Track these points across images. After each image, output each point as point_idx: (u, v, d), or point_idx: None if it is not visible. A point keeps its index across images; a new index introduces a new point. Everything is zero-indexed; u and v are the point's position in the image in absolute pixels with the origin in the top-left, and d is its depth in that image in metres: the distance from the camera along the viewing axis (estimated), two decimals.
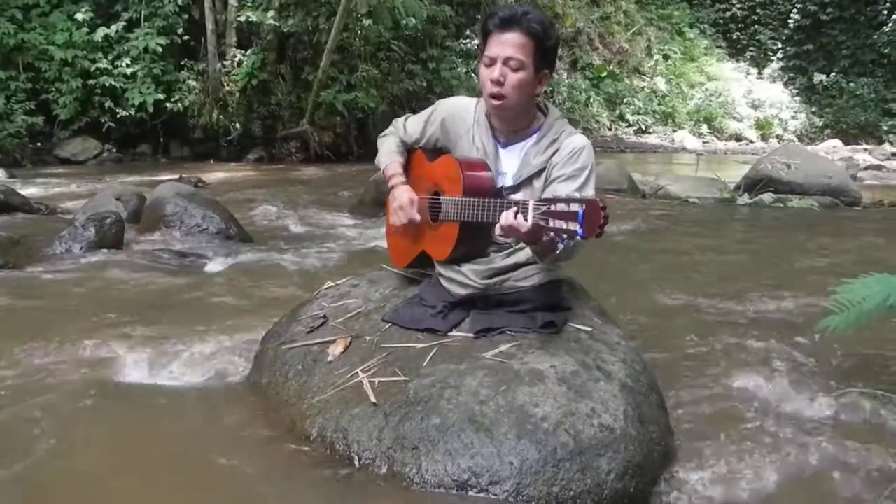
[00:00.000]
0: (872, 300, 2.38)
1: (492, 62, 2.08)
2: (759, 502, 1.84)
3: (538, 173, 2.14)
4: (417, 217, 2.24)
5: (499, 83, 2.06)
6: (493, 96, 2.09)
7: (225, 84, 11.64)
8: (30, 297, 3.39)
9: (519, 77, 2.06)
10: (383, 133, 2.45)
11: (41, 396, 2.27)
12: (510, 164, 2.20)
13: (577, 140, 2.14)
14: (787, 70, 23.76)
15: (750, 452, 2.04)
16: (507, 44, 2.05)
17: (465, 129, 2.24)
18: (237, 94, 11.62)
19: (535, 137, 2.18)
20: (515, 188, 2.17)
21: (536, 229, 1.77)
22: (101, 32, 10.88)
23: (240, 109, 11.69)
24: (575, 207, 1.65)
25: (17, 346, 2.66)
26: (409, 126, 2.38)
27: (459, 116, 2.27)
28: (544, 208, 1.71)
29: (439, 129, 2.30)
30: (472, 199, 2.05)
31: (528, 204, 1.78)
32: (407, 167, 2.38)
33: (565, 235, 1.68)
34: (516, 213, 1.82)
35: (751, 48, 24.43)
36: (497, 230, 1.92)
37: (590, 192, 2.08)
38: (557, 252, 1.96)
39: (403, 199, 2.25)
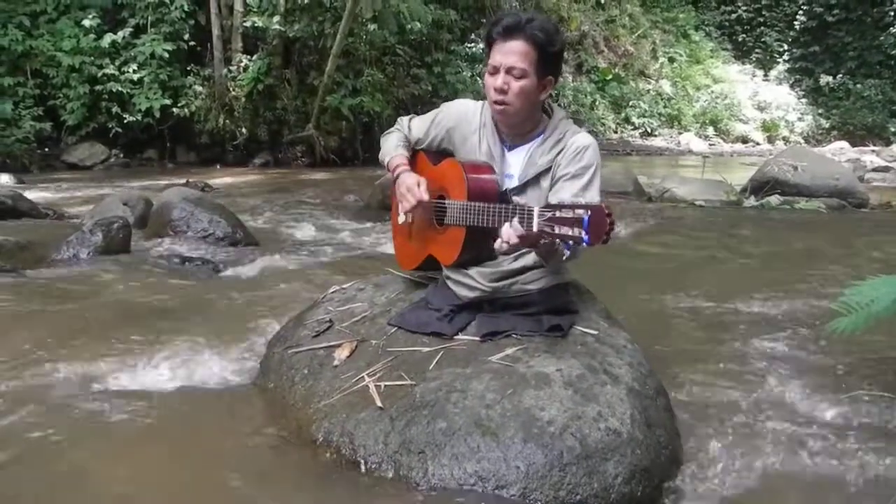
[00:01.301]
0: (881, 302, 2.37)
1: (495, 70, 2.09)
2: None
3: (545, 172, 2.15)
4: (426, 197, 2.19)
5: (502, 91, 2.07)
6: (498, 103, 2.10)
7: (231, 89, 11.68)
8: (37, 301, 3.40)
9: (522, 85, 2.06)
10: (387, 131, 2.44)
11: (47, 401, 2.28)
12: (516, 165, 2.20)
13: (582, 139, 2.15)
14: (794, 72, 23.67)
15: (758, 456, 2.03)
16: (510, 52, 2.05)
17: (470, 132, 2.25)
18: (243, 99, 11.65)
19: (539, 139, 2.18)
20: (521, 188, 2.17)
21: (533, 236, 1.76)
22: (108, 38, 10.92)
23: (246, 114, 11.72)
24: (580, 213, 1.64)
25: (23, 351, 2.67)
26: (414, 126, 2.38)
27: (465, 120, 2.27)
28: (549, 214, 1.71)
29: (444, 131, 2.31)
30: (477, 204, 2.05)
31: (532, 210, 1.77)
32: (410, 168, 2.37)
33: (571, 242, 1.67)
34: (520, 221, 1.81)
35: (756, 50, 24.35)
36: (497, 245, 1.88)
37: (594, 190, 2.08)
38: (563, 258, 1.96)
39: (410, 182, 2.23)
